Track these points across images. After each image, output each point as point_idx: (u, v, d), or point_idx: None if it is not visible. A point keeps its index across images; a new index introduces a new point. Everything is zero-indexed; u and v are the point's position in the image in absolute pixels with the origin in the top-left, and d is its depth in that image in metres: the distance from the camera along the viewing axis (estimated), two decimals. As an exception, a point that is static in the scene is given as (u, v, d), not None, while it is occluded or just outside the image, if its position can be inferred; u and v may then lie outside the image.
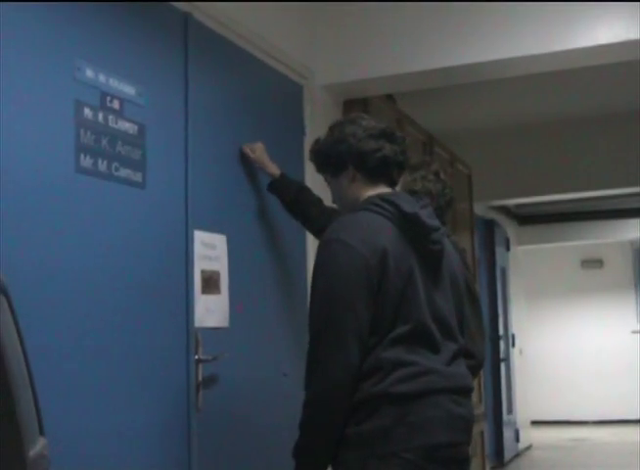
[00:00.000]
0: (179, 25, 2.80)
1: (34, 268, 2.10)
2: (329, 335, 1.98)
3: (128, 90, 2.50)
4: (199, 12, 2.92)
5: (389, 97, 4.56)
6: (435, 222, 2.16)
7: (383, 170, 2.20)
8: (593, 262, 11.18)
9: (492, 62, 3.69)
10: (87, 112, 2.33)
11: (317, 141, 2.31)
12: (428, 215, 2.13)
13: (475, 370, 2.53)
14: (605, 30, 3.48)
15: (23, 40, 2.15)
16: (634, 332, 10.88)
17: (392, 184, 2.24)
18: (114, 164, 2.41)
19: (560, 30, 3.53)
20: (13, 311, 1.41)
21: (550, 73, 4.25)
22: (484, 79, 4.24)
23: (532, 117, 6.34)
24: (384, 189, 2.19)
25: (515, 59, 3.65)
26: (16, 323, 1.41)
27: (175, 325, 2.63)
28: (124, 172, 2.44)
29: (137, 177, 2.50)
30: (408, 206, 2.10)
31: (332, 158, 2.22)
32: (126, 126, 2.48)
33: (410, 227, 2.08)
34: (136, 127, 2.52)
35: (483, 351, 2.71)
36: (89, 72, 2.35)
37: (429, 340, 2.05)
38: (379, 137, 2.19)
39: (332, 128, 2.27)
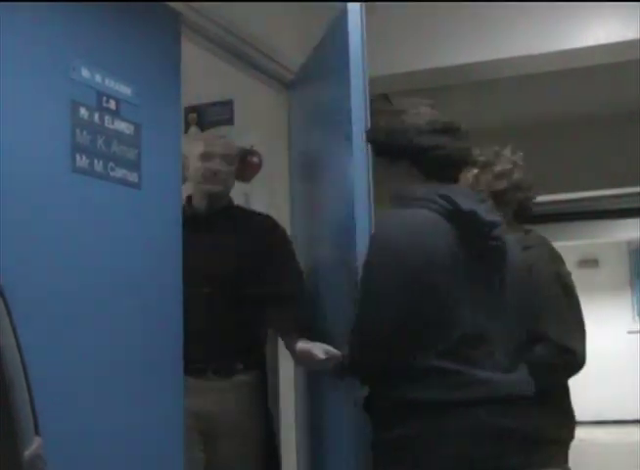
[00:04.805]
0: (173, 25, 2.80)
1: (30, 269, 2.10)
2: (367, 336, 1.92)
3: (124, 90, 2.49)
4: (193, 12, 2.92)
5: (385, 97, 4.55)
6: (495, 218, 2.01)
7: (442, 169, 2.07)
8: (589, 262, 11.19)
9: (490, 62, 3.69)
10: (83, 112, 2.32)
11: (377, 121, 2.20)
12: (486, 211, 2.00)
13: (572, 367, 2.40)
14: (604, 30, 3.48)
15: (19, 40, 2.14)
16: (630, 332, 10.89)
17: (451, 181, 2.09)
18: (110, 165, 2.40)
19: (559, 30, 3.54)
20: (9, 312, 1.40)
21: (549, 73, 4.25)
22: (482, 79, 4.24)
23: (530, 118, 6.34)
24: (440, 186, 2.04)
25: (513, 59, 3.66)
26: (12, 323, 1.41)
27: (172, 325, 2.62)
28: (120, 172, 2.44)
29: (133, 177, 2.49)
30: (465, 202, 1.96)
31: (388, 146, 2.11)
32: (122, 126, 2.47)
33: (466, 224, 1.95)
34: (132, 127, 2.51)
35: (584, 346, 2.49)
36: (85, 73, 2.35)
37: (480, 345, 1.92)
38: (442, 132, 2.08)
39: (392, 113, 2.15)
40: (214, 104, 4.12)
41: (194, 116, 4.13)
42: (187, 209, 2.93)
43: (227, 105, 4.09)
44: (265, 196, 3.59)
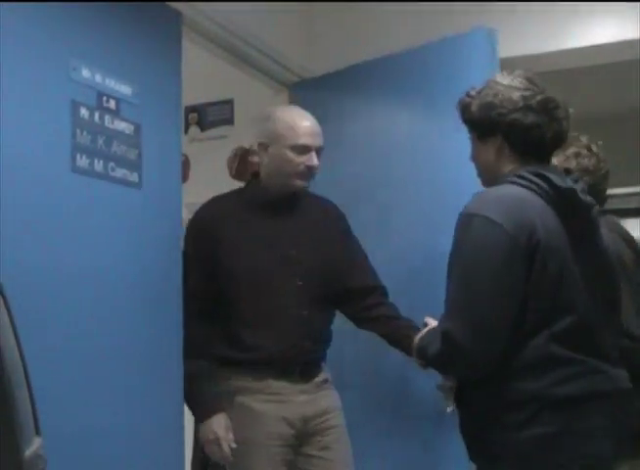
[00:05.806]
0: (174, 25, 2.80)
1: (30, 268, 2.10)
2: (468, 325, 1.76)
3: (125, 90, 2.50)
4: (193, 12, 2.92)
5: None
6: (590, 199, 1.94)
7: (535, 149, 1.95)
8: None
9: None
10: (84, 112, 2.33)
11: (468, 93, 2.05)
12: (582, 191, 1.92)
13: (633, 352, 2.28)
14: (604, 30, 3.47)
15: (19, 40, 2.14)
16: (630, 332, 10.87)
17: (544, 162, 1.98)
18: (111, 164, 2.40)
19: (557, 30, 3.53)
20: (9, 311, 1.41)
21: (548, 73, 4.25)
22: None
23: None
24: (532, 165, 1.94)
25: (512, 58, 3.65)
26: (12, 323, 1.41)
27: (173, 325, 2.62)
28: (120, 172, 2.44)
29: (133, 177, 2.50)
30: (561, 180, 1.88)
31: (480, 120, 1.98)
32: (122, 126, 2.47)
33: (564, 204, 1.87)
34: (132, 127, 2.51)
35: None
36: (85, 72, 2.35)
37: (591, 333, 1.83)
38: (539, 111, 1.93)
39: (487, 86, 2.01)
40: (214, 104, 4.13)
41: (194, 115, 4.14)
42: (257, 191, 2.72)
43: (227, 105, 4.10)
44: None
